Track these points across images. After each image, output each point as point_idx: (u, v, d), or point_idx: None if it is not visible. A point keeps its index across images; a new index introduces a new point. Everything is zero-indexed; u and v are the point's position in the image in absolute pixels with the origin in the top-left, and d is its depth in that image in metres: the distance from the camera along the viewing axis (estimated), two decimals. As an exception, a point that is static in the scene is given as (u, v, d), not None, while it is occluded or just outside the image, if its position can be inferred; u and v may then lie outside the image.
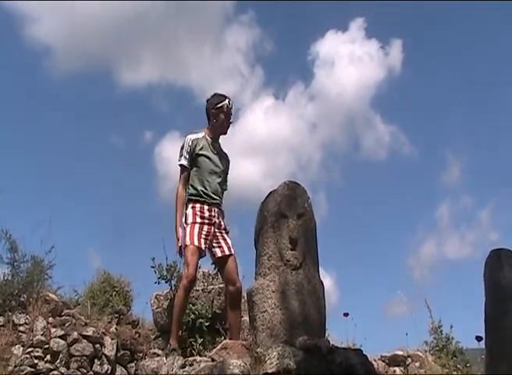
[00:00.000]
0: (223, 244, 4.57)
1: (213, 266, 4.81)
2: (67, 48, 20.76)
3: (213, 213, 4.58)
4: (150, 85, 23.72)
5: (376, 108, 24.14)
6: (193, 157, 4.67)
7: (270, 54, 23.85)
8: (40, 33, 21.16)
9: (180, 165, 4.69)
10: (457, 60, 22.60)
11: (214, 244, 4.57)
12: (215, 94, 4.86)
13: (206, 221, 4.54)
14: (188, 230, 4.48)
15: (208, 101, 4.86)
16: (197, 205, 4.57)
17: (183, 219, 4.60)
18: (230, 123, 4.85)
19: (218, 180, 4.70)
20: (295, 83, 25.83)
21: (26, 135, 19.04)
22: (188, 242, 4.44)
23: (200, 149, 4.68)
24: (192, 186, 4.64)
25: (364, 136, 23.74)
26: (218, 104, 4.76)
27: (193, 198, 4.61)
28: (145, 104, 22.52)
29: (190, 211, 4.56)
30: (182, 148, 4.71)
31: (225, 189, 4.84)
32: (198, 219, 4.52)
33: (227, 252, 4.55)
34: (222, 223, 4.66)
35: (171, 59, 23.62)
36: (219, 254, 4.55)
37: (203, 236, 4.48)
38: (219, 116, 4.76)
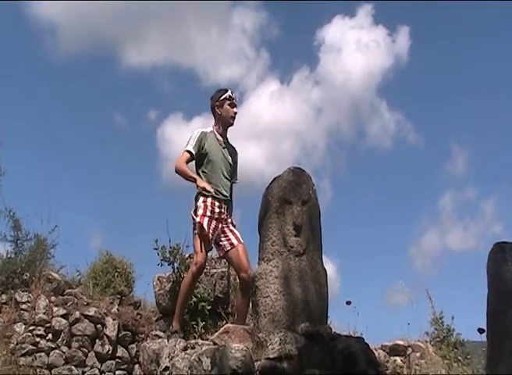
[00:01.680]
0: (231, 236, 4.63)
1: (217, 254, 4.87)
2: (72, 27, 20.58)
3: (223, 210, 4.65)
4: (155, 66, 23.57)
5: (382, 95, 23.96)
6: (201, 148, 4.69)
7: (276, 37, 23.62)
8: (45, 12, 20.97)
9: (187, 150, 4.66)
10: (465, 49, 22.40)
11: (222, 239, 4.62)
12: (217, 91, 4.95)
13: (215, 216, 4.60)
14: (199, 220, 4.52)
15: (211, 98, 4.92)
16: (209, 200, 4.60)
17: (192, 211, 4.63)
18: (235, 113, 4.87)
19: (228, 174, 4.77)
20: (300, 68, 25.64)
21: (28, 115, 18.96)
22: (200, 231, 4.51)
23: (209, 144, 4.71)
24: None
25: (369, 123, 23.61)
26: (221, 96, 4.85)
27: (206, 193, 4.58)
28: (150, 84, 22.39)
29: (201, 204, 4.59)
30: (190, 138, 4.73)
31: (235, 182, 4.89)
32: (208, 213, 4.56)
33: (236, 242, 4.60)
34: (229, 218, 4.72)
35: (177, 40, 23.42)
36: (228, 247, 4.60)
37: (211, 228, 4.54)
38: (224, 106, 4.83)
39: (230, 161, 4.80)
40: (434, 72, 22.61)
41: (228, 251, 4.60)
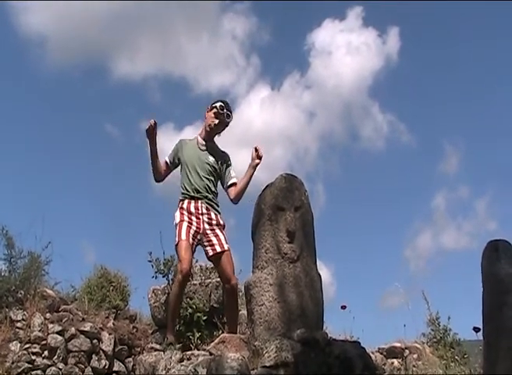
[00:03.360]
0: (215, 242, 4.61)
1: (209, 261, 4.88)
2: (61, 38, 20.63)
3: (200, 209, 4.66)
4: (146, 75, 23.58)
5: (374, 97, 24.12)
6: (178, 156, 4.89)
7: (266, 43, 23.76)
8: (33, 22, 20.95)
9: (164, 159, 4.96)
10: (455, 48, 22.56)
11: (205, 243, 4.63)
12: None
13: (193, 217, 4.64)
14: (177, 228, 4.60)
15: None
16: (185, 202, 4.71)
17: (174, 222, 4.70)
18: (215, 124, 4.89)
19: (207, 176, 4.77)
20: (291, 73, 25.75)
21: (18, 128, 18.93)
22: (178, 239, 4.54)
23: (185, 149, 4.88)
24: (180, 186, 4.81)
25: (362, 126, 23.69)
26: (213, 103, 4.94)
27: (180, 197, 4.77)
28: (141, 94, 22.40)
29: (177, 212, 4.69)
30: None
31: (229, 183, 4.87)
32: (186, 218, 4.64)
33: (218, 250, 4.59)
34: (214, 218, 4.70)
35: (167, 49, 23.50)
36: (210, 253, 4.62)
37: (192, 231, 4.58)
38: (209, 113, 4.92)
39: (210, 161, 4.81)
40: (425, 72, 22.77)
41: (211, 256, 4.61)
